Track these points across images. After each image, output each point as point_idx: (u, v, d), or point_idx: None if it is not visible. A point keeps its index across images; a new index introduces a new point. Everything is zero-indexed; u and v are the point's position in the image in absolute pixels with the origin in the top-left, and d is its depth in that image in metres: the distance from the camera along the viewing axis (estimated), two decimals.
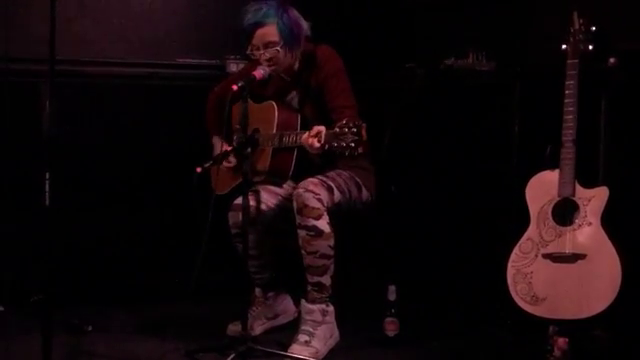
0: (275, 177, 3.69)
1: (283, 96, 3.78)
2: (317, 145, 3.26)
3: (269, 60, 3.63)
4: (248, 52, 3.69)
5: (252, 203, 3.67)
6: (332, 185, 3.58)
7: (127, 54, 4.57)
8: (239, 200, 3.67)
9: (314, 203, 3.47)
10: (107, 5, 4.56)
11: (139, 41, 4.62)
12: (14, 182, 3.76)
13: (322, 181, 3.56)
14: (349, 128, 3.10)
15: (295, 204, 3.50)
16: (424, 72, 4.38)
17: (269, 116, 3.64)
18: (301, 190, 3.50)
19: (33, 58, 4.08)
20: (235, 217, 3.71)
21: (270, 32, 3.61)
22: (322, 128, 3.24)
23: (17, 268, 3.84)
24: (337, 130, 3.13)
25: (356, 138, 3.08)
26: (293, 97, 3.78)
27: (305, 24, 3.71)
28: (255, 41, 3.64)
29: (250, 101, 3.65)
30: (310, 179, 3.55)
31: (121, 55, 4.55)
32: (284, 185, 3.76)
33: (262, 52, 3.63)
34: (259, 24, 3.60)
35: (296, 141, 3.48)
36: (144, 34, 4.63)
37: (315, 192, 3.48)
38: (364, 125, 3.10)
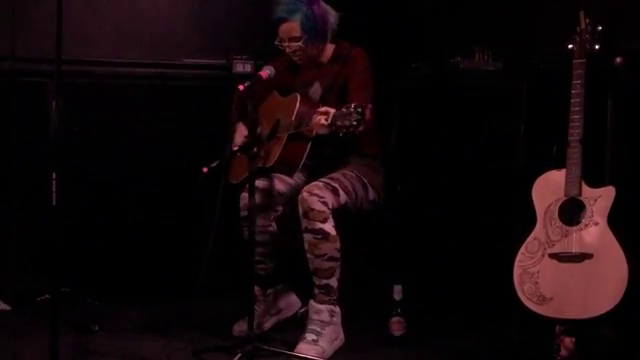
0: (285, 166, 3.73)
1: (307, 87, 3.84)
2: (324, 122, 3.32)
3: (293, 52, 3.78)
4: (277, 42, 3.80)
5: (264, 187, 3.71)
6: (337, 186, 3.60)
7: (134, 54, 4.58)
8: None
9: (319, 206, 3.49)
10: (114, 5, 4.56)
11: (146, 41, 4.63)
12: (21, 181, 3.76)
13: (326, 184, 3.58)
14: (355, 108, 3.18)
15: (300, 208, 3.52)
16: (430, 72, 4.38)
17: (291, 106, 3.71)
18: (306, 194, 3.52)
19: (40, 58, 4.10)
20: (246, 199, 3.71)
21: (293, 28, 3.75)
22: (331, 109, 3.32)
23: (23, 268, 3.85)
24: (344, 110, 3.22)
25: (359, 117, 3.16)
26: (317, 89, 3.82)
27: (333, 17, 3.82)
28: (281, 34, 3.79)
29: (277, 94, 3.83)
30: (314, 182, 3.58)
31: (128, 55, 4.56)
32: (294, 177, 3.80)
33: (287, 44, 3.77)
34: (284, 19, 3.74)
35: (309, 125, 3.53)
36: (151, 34, 4.64)
37: (320, 195, 3.50)
38: (369, 105, 3.21)
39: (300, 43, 3.74)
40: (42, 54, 4.08)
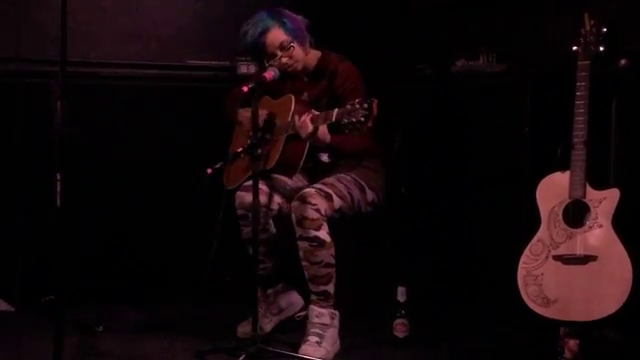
0: (284, 168, 3.70)
1: (298, 95, 3.80)
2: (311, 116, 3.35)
3: (292, 61, 3.71)
4: (267, 65, 3.71)
5: (263, 187, 3.65)
6: (330, 192, 3.58)
7: (138, 55, 4.58)
8: (249, 182, 3.66)
9: (312, 214, 3.48)
10: (118, 6, 4.57)
11: (150, 42, 4.63)
12: (25, 182, 3.76)
13: (319, 190, 3.56)
14: (360, 104, 3.14)
15: (293, 216, 3.51)
16: (435, 73, 4.38)
17: (286, 107, 3.67)
18: (297, 202, 3.51)
19: (44, 59, 4.09)
20: (242, 197, 3.70)
21: (278, 34, 3.69)
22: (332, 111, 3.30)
23: (28, 268, 3.84)
24: (348, 107, 3.18)
25: (366, 113, 3.12)
26: (306, 99, 3.79)
27: (301, 20, 3.78)
28: (269, 49, 3.71)
29: (269, 98, 3.73)
30: (307, 189, 3.56)
31: (132, 56, 4.56)
32: (293, 178, 3.78)
33: (280, 55, 3.69)
34: (265, 32, 3.69)
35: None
36: (155, 35, 4.64)
37: (312, 203, 3.49)
38: (375, 100, 3.14)
39: (293, 44, 3.69)
40: (47, 55, 4.08)
